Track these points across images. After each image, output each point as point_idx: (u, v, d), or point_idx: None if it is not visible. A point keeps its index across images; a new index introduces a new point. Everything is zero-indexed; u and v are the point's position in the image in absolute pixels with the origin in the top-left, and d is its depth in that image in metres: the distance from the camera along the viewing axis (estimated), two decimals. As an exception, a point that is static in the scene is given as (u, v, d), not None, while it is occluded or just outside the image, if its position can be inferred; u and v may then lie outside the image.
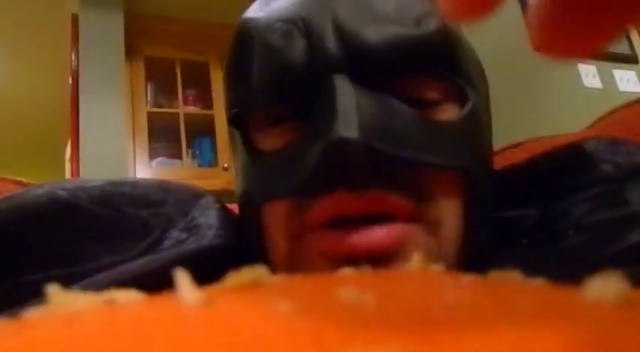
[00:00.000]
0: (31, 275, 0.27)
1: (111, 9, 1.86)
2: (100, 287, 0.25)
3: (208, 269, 0.25)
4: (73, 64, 1.86)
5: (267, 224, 0.30)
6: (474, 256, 0.29)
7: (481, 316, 0.10)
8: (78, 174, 1.66)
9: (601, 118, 0.50)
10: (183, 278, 0.11)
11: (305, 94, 0.28)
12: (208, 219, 0.32)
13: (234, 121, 0.33)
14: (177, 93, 2.07)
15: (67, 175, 2.03)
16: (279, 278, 0.12)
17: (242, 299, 0.11)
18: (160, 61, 2.06)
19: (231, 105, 0.33)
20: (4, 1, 2.26)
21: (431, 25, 0.29)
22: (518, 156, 0.44)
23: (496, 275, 0.13)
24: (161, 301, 0.11)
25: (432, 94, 0.29)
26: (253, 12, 0.32)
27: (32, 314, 0.10)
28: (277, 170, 0.29)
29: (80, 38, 1.81)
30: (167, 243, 0.30)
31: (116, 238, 0.30)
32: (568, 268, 0.27)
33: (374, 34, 0.27)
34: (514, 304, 0.10)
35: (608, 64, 1.81)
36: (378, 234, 0.26)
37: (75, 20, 1.89)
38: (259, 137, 0.31)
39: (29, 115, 3.12)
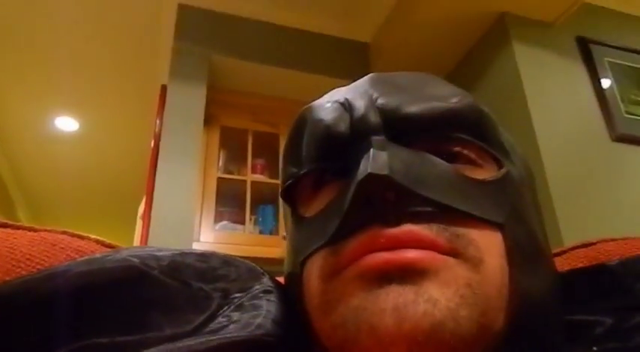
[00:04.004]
0: (98, 338, 0.28)
1: (196, 82, 2.03)
2: None
3: None
4: (157, 129, 2.02)
5: (307, 276, 0.31)
6: (536, 336, 0.29)
7: None
8: (147, 231, 1.75)
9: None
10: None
11: (347, 157, 0.30)
12: (260, 306, 0.32)
13: (285, 195, 0.35)
14: (246, 161, 2.17)
15: (137, 230, 2.14)
16: None
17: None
18: (234, 130, 2.19)
19: (284, 180, 0.35)
20: (105, 69, 2.53)
21: (461, 102, 0.31)
22: (590, 256, 0.43)
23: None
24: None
25: (467, 158, 0.31)
26: (312, 103, 0.36)
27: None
28: (317, 227, 0.31)
29: (166, 106, 1.97)
30: (220, 320, 0.31)
31: (180, 310, 0.30)
32: None
33: (409, 106, 0.31)
34: None
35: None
36: (410, 251, 0.26)
37: (164, 90, 2.07)
38: (305, 208, 0.34)
39: (111, 171, 3.37)
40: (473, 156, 0.31)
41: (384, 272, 0.26)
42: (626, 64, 1.98)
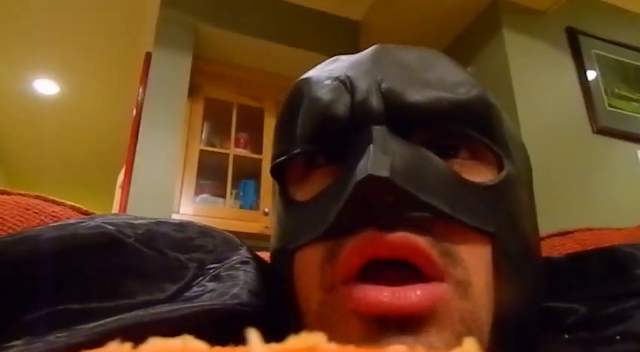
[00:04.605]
0: (70, 304, 0.27)
1: (181, 51, 1.99)
2: (124, 325, 0.26)
3: (226, 327, 0.26)
4: (140, 97, 1.97)
5: (300, 271, 0.30)
6: (517, 337, 0.29)
7: None
8: (126, 200, 1.73)
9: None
10: (254, 335, 0.12)
11: (344, 143, 0.29)
12: (237, 277, 0.32)
13: (275, 172, 0.34)
14: (230, 134, 2.15)
15: (116, 200, 2.11)
16: (335, 346, 0.12)
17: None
18: (219, 102, 2.15)
19: (275, 156, 0.34)
20: (89, 31, 2.46)
21: (469, 94, 0.30)
22: (567, 245, 0.44)
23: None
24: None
25: (469, 152, 0.30)
26: (308, 73, 0.34)
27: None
28: (310, 215, 0.30)
29: (150, 74, 1.92)
30: (195, 289, 0.30)
31: (154, 278, 0.30)
32: None
33: (414, 94, 0.29)
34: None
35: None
36: (411, 296, 0.25)
37: (148, 58, 2.02)
38: (296, 189, 0.33)
39: (92, 138, 3.30)
40: (474, 150, 0.31)
41: (383, 318, 0.25)
42: (613, 57, 1.99)
